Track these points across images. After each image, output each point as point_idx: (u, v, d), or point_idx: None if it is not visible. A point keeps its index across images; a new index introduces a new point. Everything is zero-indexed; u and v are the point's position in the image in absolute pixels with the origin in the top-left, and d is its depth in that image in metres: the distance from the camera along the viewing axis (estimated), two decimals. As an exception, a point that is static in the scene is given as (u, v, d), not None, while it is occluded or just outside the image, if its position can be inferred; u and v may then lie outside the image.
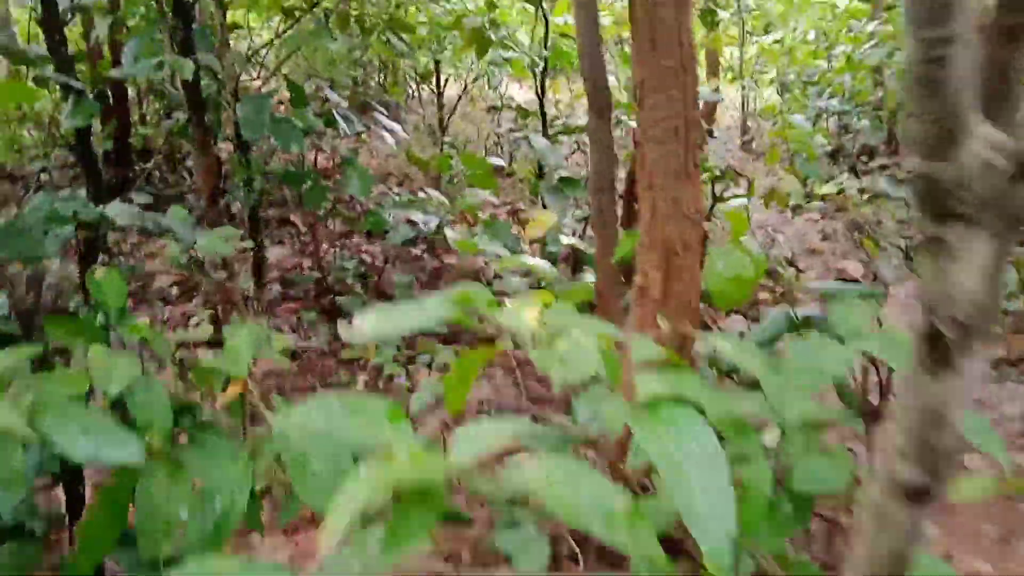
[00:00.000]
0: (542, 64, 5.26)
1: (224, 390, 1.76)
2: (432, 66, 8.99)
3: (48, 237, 1.82)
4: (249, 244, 3.23)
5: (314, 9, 3.77)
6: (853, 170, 6.60)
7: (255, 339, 1.78)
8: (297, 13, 3.89)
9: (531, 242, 2.69)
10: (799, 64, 8.02)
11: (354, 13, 3.89)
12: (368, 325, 1.12)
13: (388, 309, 1.18)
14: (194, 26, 4.18)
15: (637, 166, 1.93)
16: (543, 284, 3.89)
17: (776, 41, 7.92)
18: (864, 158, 7.48)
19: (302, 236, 6.08)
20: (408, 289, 4.93)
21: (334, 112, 4.34)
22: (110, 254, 4.29)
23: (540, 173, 5.57)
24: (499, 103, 7.65)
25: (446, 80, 9.44)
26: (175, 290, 4.89)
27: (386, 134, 4.91)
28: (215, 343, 4.46)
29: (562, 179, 4.36)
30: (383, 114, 5.23)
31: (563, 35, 4.51)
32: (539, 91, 5.35)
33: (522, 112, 7.60)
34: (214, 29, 4.62)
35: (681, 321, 1.90)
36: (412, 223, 4.86)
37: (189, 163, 7.12)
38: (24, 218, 1.84)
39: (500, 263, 3.38)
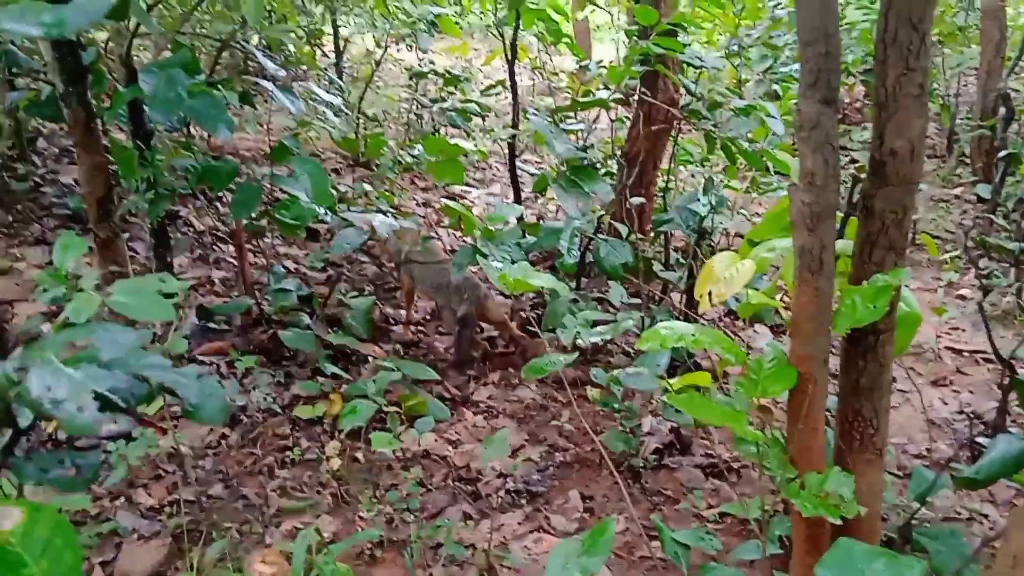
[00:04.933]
0: (512, 24, 4.22)
1: None
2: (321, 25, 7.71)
3: None
4: (185, 286, 2.09)
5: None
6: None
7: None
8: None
9: (701, 296, 1.71)
10: (750, 24, 7.29)
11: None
12: None
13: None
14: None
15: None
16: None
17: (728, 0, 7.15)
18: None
19: (200, 237, 4.82)
20: (368, 315, 3.84)
21: (271, 86, 3.18)
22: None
23: (511, 156, 4.57)
24: (423, 68, 6.51)
25: (345, 42, 8.18)
26: (47, 328, 3.59)
27: (327, 110, 3.76)
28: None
29: (578, 169, 3.38)
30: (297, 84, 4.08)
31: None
32: (509, 56, 4.31)
33: (450, 79, 6.55)
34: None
35: None
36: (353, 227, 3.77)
37: (41, 144, 5.64)
38: None
39: (508, 284, 2.39)
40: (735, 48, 6.88)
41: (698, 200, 3.27)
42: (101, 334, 1.02)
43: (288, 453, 3.01)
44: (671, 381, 1.73)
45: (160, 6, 4.06)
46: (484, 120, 6.73)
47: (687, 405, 1.64)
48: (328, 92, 4.03)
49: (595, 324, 3.08)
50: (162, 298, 1.95)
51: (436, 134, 6.89)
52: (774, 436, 1.73)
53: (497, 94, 6.67)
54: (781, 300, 3.58)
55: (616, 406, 2.92)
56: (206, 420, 1.04)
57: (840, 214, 2.03)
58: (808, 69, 1.55)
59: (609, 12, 9.03)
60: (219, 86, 3.50)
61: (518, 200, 4.49)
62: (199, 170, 3.35)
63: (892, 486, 2.74)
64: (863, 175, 2.03)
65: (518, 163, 4.78)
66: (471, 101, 6.32)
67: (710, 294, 1.70)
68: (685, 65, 4.12)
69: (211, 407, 1.04)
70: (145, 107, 3.26)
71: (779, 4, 6.99)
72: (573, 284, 3.76)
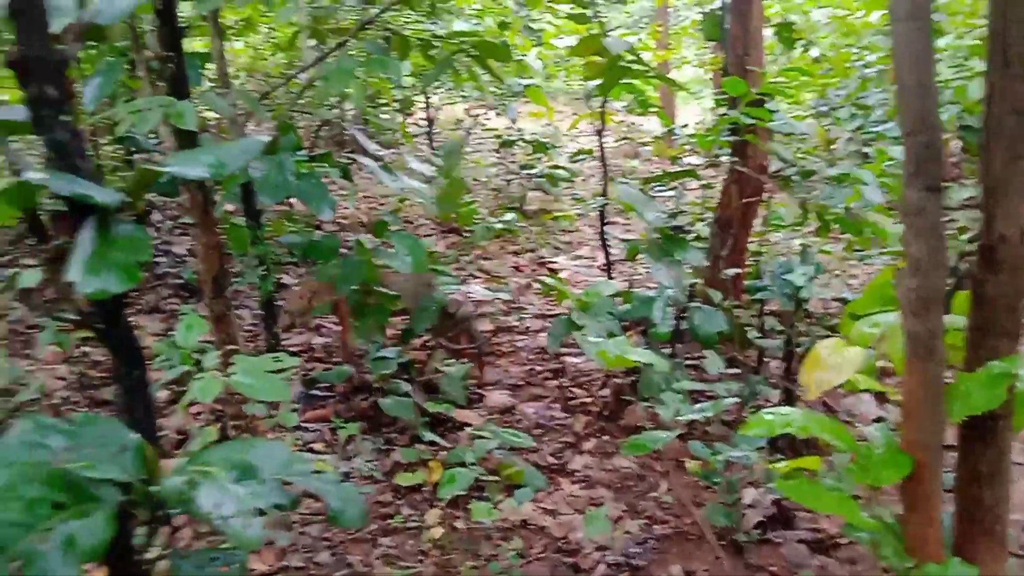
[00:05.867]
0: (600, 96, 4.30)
1: None
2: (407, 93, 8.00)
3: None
4: (296, 362, 2.21)
5: (364, 31, 2.79)
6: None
7: None
8: (331, 39, 2.89)
9: (809, 389, 1.71)
10: (836, 83, 7.25)
11: (420, 35, 2.91)
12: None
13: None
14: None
15: None
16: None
17: (815, 60, 7.14)
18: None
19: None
20: (463, 381, 3.92)
21: (374, 165, 3.34)
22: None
23: (601, 223, 4.63)
24: (511, 137, 6.69)
25: (436, 112, 8.48)
26: (164, 395, 3.79)
27: (422, 185, 3.91)
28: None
29: (671, 239, 3.42)
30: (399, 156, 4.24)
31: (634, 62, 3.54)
32: (598, 127, 4.40)
33: (538, 146, 6.69)
34: (205, 60, 3.59)
35: None
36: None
37: (155, 217, 5.99)
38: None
39: (608, 360, 2.42)
40: (824, 108, 6.84)
41: (795, 269, 3.26)
42: (258, 452, 1.10)
43: (390, 521, 3.08)
44: (779, 465, 1.73)
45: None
46: (572, 185, 6.84)
47: (797, 493, 1.63)
48: (423, 163, 4.20)
49: (690, 393, 3.08)
50: (279, 379, 2.08)
51: (524, 199, 7.04)
52: (888, 523, 1.71)
53: (583, 159, 6.79)
54: (884, 375, 3.50)
55: (717, 479, 2.90)
56: (347, 524, 1.11)
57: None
58: (911, 158, 1.56)
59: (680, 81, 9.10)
60: (321, 161, 3.69)
61: (608, 265, 4.55)
62: (304, 245, 3.52)
63: (1014, 569, 2.63)
64: (966, 236, 1.99)
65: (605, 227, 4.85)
66: (558, 167, 6.45)
67: (817, 381, 1.70)
68: (774, 132, 4.14)
69: (352, 511, 1.10)
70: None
71: (868, 64, 6.95)
72: (667, 351, 3.76)
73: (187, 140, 3.22)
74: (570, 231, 7.11)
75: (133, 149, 5.22)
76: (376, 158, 3.60)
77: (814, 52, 7.20)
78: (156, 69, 3.20)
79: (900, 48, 1.52)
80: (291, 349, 4.44)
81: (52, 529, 0.85)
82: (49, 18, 0.93)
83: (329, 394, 3.87)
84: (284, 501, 1.01)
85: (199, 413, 3.67)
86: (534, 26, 7.02)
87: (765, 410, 1.70)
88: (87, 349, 4.51)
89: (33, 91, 0.91)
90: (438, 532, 2.99)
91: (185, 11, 3.52)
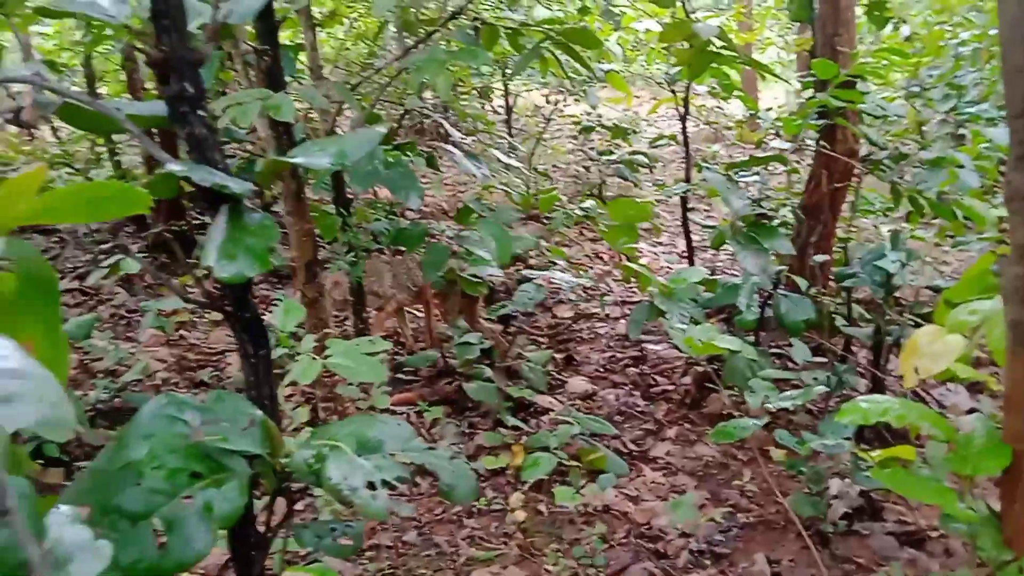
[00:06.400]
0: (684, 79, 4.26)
1: None
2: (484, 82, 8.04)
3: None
4: (388, 346, 2.28)
5: (451, 23, 2.84)
6: None
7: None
8: (420, 29, 2.95)
9: (910, 375, 1.68)
10: (928, 62, 6.99)
11: (504, 24, 2.94)
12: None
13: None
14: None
15: None
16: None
17: (906, 39, 6.90)
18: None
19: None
20: (544, 367, 3.96)
21: (459, 154, 3.39)
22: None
23: (683, 210, 4.60)
24: (590, 122, 6.68)
25: (515, 98, 8.51)
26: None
27: (505, 171, 3.94)
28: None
29: (756, 225, 3.38)
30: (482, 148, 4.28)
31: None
32: (681, 112, 4.36)
33: (617, 132, 6.66)
34: (298, 52, 3.70)
35: None
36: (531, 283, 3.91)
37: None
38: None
39: (695, 347, 2.42)
40: (915, 89, 6.62)
41: (886, 256, 3.19)
42: (381, 427, 1.16)
43: (475, 503, 3.14)
44: (872, 454, 1.71)
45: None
46: (651, 171, 6.79)
47: (894, 481, 1.62)
48: (505, 153, 4.24)
49: (776, 382, 3.05)
50: (374, 361, 2.15)
51: (603, 185, 7.03)
52: (986, 515, 1.67)
53: (663, 144, 6.74)
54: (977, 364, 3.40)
55: (803, 468, 2.87)
56: (459, 499, 1.15)
57: None
58: (1017, 140, 1.52)
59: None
60: (405, 151, 3.77)
61: (690, 252, 4.52)
62: (392, 232, 3.61)
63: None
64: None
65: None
66: (638, 152, 6.41)
67: (916, 369, 1.68)
68: (864, 114, 4.04)
69: (464, 487, 1.15)
70: (345, 178, 3.56)
71: (962, 42, 6.69)
72: (751, 340, 3.73)
73: (282, 131, 3.33)
74: (649, 217, 7.06)
75: (226, 140, 5.42)
76: (458, 146, 3.65)
77: (905, 30, 6.96)
78: (252, 63, 3.32)
79: (1007, 23, 1.48)
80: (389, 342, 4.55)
81: (192, 496, 0.92)
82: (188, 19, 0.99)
83: (414, 378, 3.97)
84: (405, 474, 1.06)
85: (290, 395, 3.81)
86: (613, 10, 6.97)
87: (860, 398, 1.69)
88: (184, 333, 4.72)
89: (173, 88, 0.98)
90: (521, 515, 3.04)
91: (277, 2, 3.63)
